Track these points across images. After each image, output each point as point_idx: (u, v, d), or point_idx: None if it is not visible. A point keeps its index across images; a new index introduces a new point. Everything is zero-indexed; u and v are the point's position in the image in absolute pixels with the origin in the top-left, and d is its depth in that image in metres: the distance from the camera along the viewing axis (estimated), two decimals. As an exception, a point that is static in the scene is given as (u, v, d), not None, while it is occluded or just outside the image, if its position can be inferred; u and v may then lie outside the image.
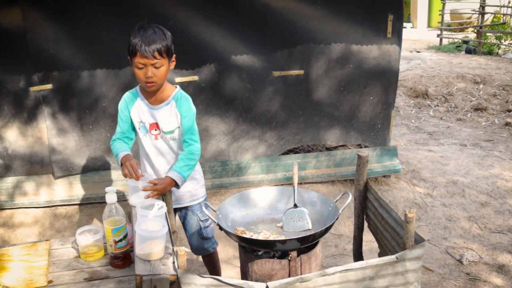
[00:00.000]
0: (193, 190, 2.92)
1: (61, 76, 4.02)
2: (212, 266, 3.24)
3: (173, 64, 2.67)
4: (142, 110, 2.73)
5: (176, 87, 2.77)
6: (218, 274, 3.27)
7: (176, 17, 4.01)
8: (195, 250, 3.12)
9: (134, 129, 2.81)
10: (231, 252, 3.93)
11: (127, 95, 2.78)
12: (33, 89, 4.02)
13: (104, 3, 3.92)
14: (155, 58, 2.50)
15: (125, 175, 2.51)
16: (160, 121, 2.71)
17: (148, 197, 2.44)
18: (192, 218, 2.97)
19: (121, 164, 2.59)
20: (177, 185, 2.58)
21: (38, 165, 4.24)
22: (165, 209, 2.29)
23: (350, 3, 4.27)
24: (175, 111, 2.70)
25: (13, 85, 4.00)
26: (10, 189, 4.26)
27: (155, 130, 2.74)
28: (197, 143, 2.71)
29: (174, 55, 2.65)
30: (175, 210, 2.97)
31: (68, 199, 4.31)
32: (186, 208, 2.96)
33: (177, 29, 4.02)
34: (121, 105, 2.77)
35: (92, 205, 4.36)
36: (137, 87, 2.79)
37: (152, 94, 2.69)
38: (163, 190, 2.50)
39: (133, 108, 2.74)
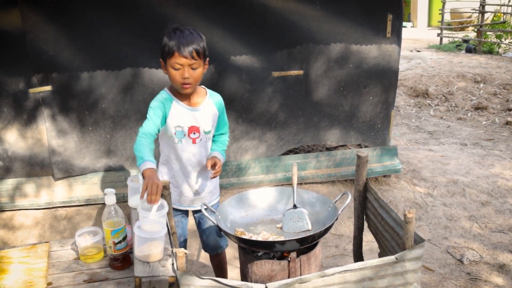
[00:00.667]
0: (213, 189, 2.95)
1: (60, 77, 4.02)
2: (220, 268, 3.24)
3: (206, 68, 2.67)
4: (181, 113, 2.67)
5: (204, 88, 2.81)
6: (225, 276, 3.27)
7: (176, 18, 4.00)
8: (211, 249, 3.12)
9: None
10: (231, 253, 3.93)
11: (161, 98, 2.67)
12: (32, 90, 4.02)
13: (103, 4, 3.91)
14: (193, 58, 2.51)
15: (146, 193, 2.22)
16: (201, 122, 2.72)
17: (214, 176, 2.70)
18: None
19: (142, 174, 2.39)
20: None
21: (38, 166, 4.24)
22: (167, 208, 2.27)
23: (349, 3, 4.26)
24: (213, 109, 2.77)
25: (13, 86, 4.00)
26: (10, 191, 4.26)
27: (194, 133, 2.71)
28: (227, 131, 2.95)
29: (207, 59, 2.65)
30: (192, 211, 2.99)
31: (68, 200, 4.31)
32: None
33: (176, 30, 4.02)
34: (157, 103, 2.64)
35: (92, 207, 4.36)
36: (167, 90, 2.72)
37: (187, 97, 2.67)
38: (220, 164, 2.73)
39: (171, 111, 2.66)
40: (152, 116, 2.60)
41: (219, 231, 2.93)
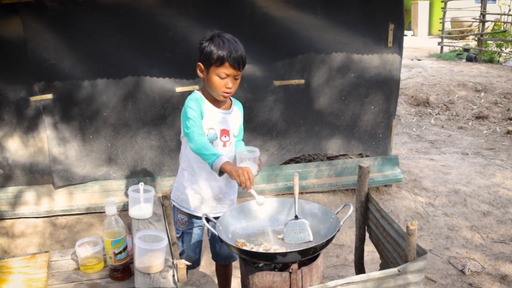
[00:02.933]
0: (234, 196, 2.94)
1: (61, 86, 4.02)
2: (225, 278, 3.22)
3: None
4: (214, 116, 2.68)
5: None
6: (229, 287, 3.25)
7: (177, 28, 4.02)
8: (224, 258, 3.09)
9: None
10: (232, 263, 3.91)
11: (195, 98, 2.66)
12: (33, 99, 4.02)
13: (104, 13, 3.92)
14: (239, 70, 2.56)
15: (240, 184, 2.34)
16: (232, 126, 2.76)
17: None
18: None
19: (219, 169, 2.41)
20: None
21: (38, 175, 4.23)
22: (153, 192, 2.53)
23: (351, 12, 4.27)
24: (240, 115, 2.84)
25: (14, 95, 4.01)
26: (10, 199, 4.25)
27: (225, 136, 2.72)
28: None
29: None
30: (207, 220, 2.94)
31: (68, 209, 4.30)
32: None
33: (178, 39, 4.02)
34: (195, 103, 2.62)
35: (92, 215, 4.35)
36: (198, 92, 2.71)
37: (217, 100, 2.69)
38: None
39: (206, 112, 2.66)
40: (196, 116, 2.59)
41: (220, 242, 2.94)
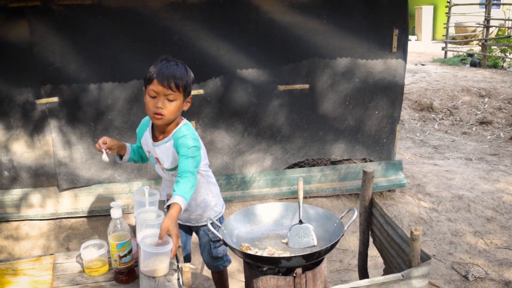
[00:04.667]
0: (203, 213, 2.88)
1: (67, 89, 4.04)
2: (220, 284, 3.23)
3: (187, 105, 2.55)
4: (147, 143, 2.68)
5: (182, 122, 2.61)
6: None
7: (182, 32, 4.04)
8: (207, 265, 3.13)
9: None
10: (236, 266, 3.92)
11: (142, 121, 2.75)
12: (39, 101, 4.04)
13: (110, 17, 3.94)
14: (170, 88, 2.39)
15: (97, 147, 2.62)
16: (160, 157, 2.64)
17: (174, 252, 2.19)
18: (204, 236, 2.97)
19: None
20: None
21: (43, 177, 4.25)
22: (158, 196, 2.52)
23: (355, 17, 4.29)
24: (172, 150, 2.57)
25: (20, 97, 4.03)
26: (15, 201, 4.27)
27: (160, 164, 2.71)
28: (187, 170, 2.41)
29: (190, 96, 2.54)
30: (189, 227, 3.01)
31: (73, 211, 4.31)
32: (197, 227, 2.96)
33: (183, 43, 4.04)
34: (137, 129, 2.77)
35: (96, 218, 4.36)
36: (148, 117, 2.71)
37: (158, 127, 2.60)
38: (175, 227, 2.19)
39: (143, 138, 2.72)
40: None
41: (212, 252, 2.98)
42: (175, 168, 2.63)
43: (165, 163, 2.63)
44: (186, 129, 2.56)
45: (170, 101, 2.42)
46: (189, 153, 2.46)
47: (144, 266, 2.13)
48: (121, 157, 2.79)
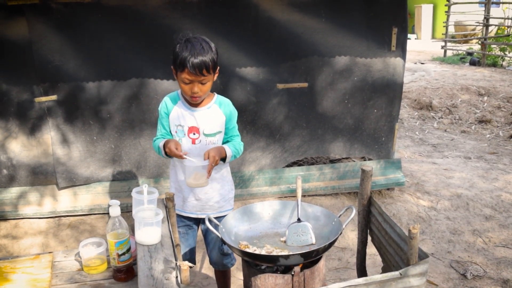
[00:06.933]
0: (221, 199, 2.87)
1: (66, 87, 4.04)
2: (223, 282, 3.22)
3: (216, 76, 2.66)
4: (182, 113, 2.71)
5: (214, 94, 2.79)
6: None
7: (181, 30, 3.97)
8: (214, 264, 3.09)
9: None
10: (235, 265, 3.92)
11: (167, 98, 2.78)
12: (38, 100, 4.04)
13: (109, 15, 3.94)
14: (203, 75, 2.50)
15: (169, 152, 2.60)
16: (201, 123, 2.70)
17: (209, 170, 2.54)
18: (213, 232, 2.94)
19: (164, 150, 2.66)
20: (223, 159, 2.67)
21: (42, 175, 4.25)
22: (157, 194, 2.60)
23: (354, 16, 4.28)
24: (220, 113, 2.73)
25: (18, 96, 4.03)
26: (14, 199, 4.27)
27: (194, 134, 2.71)
28: (241, 141, 2.82)
29: (218, 67, 2.64)
30: (198, 221, 2.95)
31: (71, 209, 4.31)
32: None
33: (182, 41, 4.04)
34: (161, 107, 2.77)
35: (95, 216, 4.36)
36: (179, 91, 2.77)
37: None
38: (217, 153, 2.58)
39: (173, 111, 2.73)
40: (159, 122, 2.81)
41: (223, 249, 2.94)
42: (217, 134, 2.73)
43: (207, 128, 2.71)
44: (225, 98, 2.83)
45: (204, 84, 2.56)
46: (236, 119, 2.81)
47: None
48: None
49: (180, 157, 2.55)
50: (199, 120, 2.70)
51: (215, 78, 2.66)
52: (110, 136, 4.21)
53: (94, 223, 4.32)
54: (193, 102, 2.66)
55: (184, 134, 2.71)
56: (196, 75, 2.48)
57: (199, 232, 3.08)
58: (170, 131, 2.78)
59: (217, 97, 2.77)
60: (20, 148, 4.16)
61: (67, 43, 3.95)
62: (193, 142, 2.72)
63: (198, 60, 2.46)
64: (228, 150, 2.67)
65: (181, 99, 2.74)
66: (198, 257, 3.98)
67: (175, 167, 2.86)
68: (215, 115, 2.73)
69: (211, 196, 2.84)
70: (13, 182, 4.25)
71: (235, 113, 2.81)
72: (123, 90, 4.12)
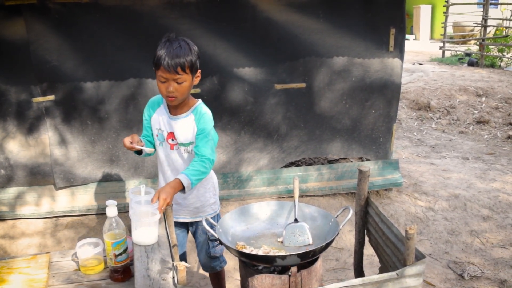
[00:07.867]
0: (201, 207, 2.85)
1: (63, 87, 4.04)
2: (217, 283, 3.22)
3: (197, 80, 2.61)
4: (163, 118, 2.70)
5: (198, 100, 2.72)
6: None
7: (179, 30, 4.03)
8: (203, 266, 3.10)
9: None
10: (232, 265, 3.92)
11: (152, 100, 2.78)
12: (35, 100, 4.04)
13: (107, 15, 3.94)
14: (177, 73, 2.45)
15: (124, 143, 2.57)
16: (176, 131, 2.67)
17: (161, 210, 2.33)
18: (201, 235, 2.94)
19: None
20: (183, 190, 2.46)
21: (39, 175, 4.25)
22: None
23: (352, 16, 4.29)
24: (193, 124, 2.64)
25: (16, 96, 4.02)
26: (11, 200, 4.27)
27: (172, 140, 2.70)
28: (207, 156, 2.57)
29: (199, 71, 2.59)
30: (187, 224, 2.96)
31: (69, 210, 4.31)
32: (196, 223, 2.92)
33: (180, 41, 4.04)
34: (145, 109, 2.78)
35: (93, 216, 4.36)
36: (160, 96, 2.75)
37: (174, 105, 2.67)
38: (168, 194, 2.35)
39: (155, 114, 2.73)
40: (143, 124, 2.81)
41: (210, 252, 2.95)
42: (190, 144, 2.68)
43: (181, 137, 2.67)
44: (206, 107, 2.70)
45: (180, 83, 2.50)
46: (210, 135, 2.63)
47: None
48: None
49: (131, 148, 2.55)
50: (174, 128, 2.68)
51: (196, 81, 2.61)
52: (107, 137, 4.21)
53: (91, 224, 4.32)
54: (169, 103, 2.61)
55: (164, 139, 2.72)
56: (170, 72, 2.43)
57: None
58: (152, 134, 2.79)
59: (197, 106, 2.68)
60: (17, 148, 4.15)
61: (65, 43, 3.95)
62: (172, 148, 2.73)
63: (173, 57, 2.43)
64: (185, 179, 2.45)
65: (163, 103, 2.73)
66: (196, 258, 3.98)
67: (160, 177, 2.89)
68: (188, 125, 2.66)
69: (190, 202, 2.83)
70: (11, 182, 4.24)
71: (207, 127, 2.63)
72: (121, 91, 4.11)
